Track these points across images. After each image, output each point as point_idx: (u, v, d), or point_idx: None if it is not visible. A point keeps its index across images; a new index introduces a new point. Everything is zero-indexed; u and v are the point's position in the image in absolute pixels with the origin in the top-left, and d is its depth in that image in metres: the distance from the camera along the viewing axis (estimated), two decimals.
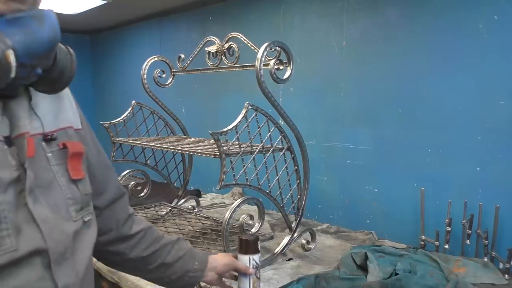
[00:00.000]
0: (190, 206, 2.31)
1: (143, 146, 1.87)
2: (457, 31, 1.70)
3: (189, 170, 2.28)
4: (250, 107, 1.49)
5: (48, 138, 0.65)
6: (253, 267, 1.01)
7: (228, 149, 1.46)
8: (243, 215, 1.51)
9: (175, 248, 0.97)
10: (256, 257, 1.02)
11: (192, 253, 0.99)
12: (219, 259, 1.03)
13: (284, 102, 2.37)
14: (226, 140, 1.44)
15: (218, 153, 1.42)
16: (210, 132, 1.40)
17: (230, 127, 1.44)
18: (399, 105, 1.91)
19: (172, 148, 1.70)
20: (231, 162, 1.44)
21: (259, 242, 1.04)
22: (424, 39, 1.80)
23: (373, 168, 2.02)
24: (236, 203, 1.47)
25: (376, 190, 2.01)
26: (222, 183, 1.41)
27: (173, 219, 1.96)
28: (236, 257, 1.04)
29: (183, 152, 1.69)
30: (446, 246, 1.65)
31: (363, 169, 2.06)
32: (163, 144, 1.77)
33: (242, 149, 1.48)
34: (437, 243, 1.71)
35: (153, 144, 1.80)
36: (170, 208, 2.15)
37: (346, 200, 2.14)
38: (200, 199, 2.62)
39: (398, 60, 1.90)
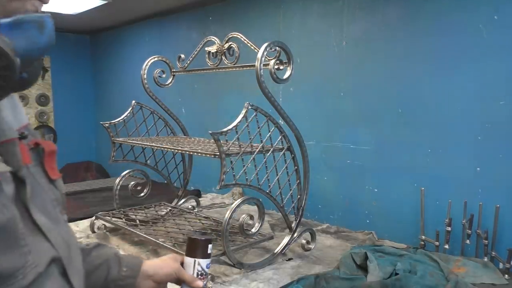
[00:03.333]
0: (190, 206, 2.31)
1: (143, 146, 1.87)
2: (457, 31, 1.70)
3: (189, 170, 2.28)
4: (250, 107, 1.49)
5: (22, 138, 0.58)
6: (198, 275, 0.83)
7: (228, 149, 1.46)
8: (243, 215, 1.51)
9: (92, 256, 0.82)
10: (204, 262, 0.84)
11: (116, 259, 0.84)
12: (159, 267, 0.85)
13: (284, 102, 2.37)
14: (226, 140, 1.44)
15: (218, 153, 1.42)
16: (210, 132, 1.40)
17: (230, 127, 1.44)
18: (399, 105, 1.91)
19: (172, 148, 1.70)
20: (231, 162, 1.44)
21: (210, 245, 0.85)
22: (424, 39, 1.81)
23: (373, 168, 2.02)
24: (236, 203, 1.47)
25: (376, 190, 2.01)
26: (222, 183, 1.41)
27: (173, 219, 1.96)
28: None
29: (183, 152, 1.69)
30: (446, 246, 1.65)
31: (363, 169, 2.06)
32: (163, 144, 1.77)
33: (242, 149, 1.48)
34: (437, 243, 1.71)
35: (153, 144, 1.80)
36: (170, 208, 2.15)
37: (346, 200, 2.14)
38: (200, 199, 2.62)
39: (398, 60, 1.90)
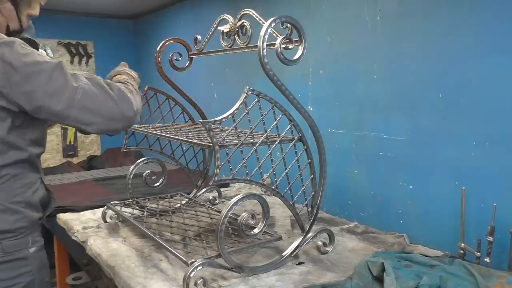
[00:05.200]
0: (211, 197, 2.19)
1: (146, 133, 1.77)
2: None
3: (209, 159, 2.15)
4: (250, 92, 1.32)
5: None
6: None
7: (223, 140, 1.30)
8: (243, 213, 1.35)
9: None
10: None
11: None
12: None
13: (314, 86, 2.16)
14: (221, 130, 1.28)
15: (211, 144, 1.26)
16: (200, 121, 1.25)
17: (225, 115, 1.28)
18: (440, 90, 1.62)
19: (166, 136, 1.58)
20: (227, 154, 1.28)
21: None
22: (471, 11, 1.50)
23: (408, 161, 1.76)
24: (234, 200, 1.31)
25: (411, 187, 1.76)
26: (216, 178, 1.25)
27: (182, 212, 1.85)
28: None
29: (178, 140, 1.55)
30: (487, 260, 1.38)
31: (397, 162, 1.80)
32: (173, 131, 1.65)
33: (242, 139, 1.32)
34: (478, 253, 1.44)
35: (149, 131, 1.69)
36: (186, 199, 2.04)
37: (378, 197, 1.90)
38: (226, 189, 2.50)
39: (441, 37, 1.61)
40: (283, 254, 1.48)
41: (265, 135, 1.36)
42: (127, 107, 1.17)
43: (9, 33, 1.24)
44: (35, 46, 1.26)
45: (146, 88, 1.94)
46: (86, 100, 1.11)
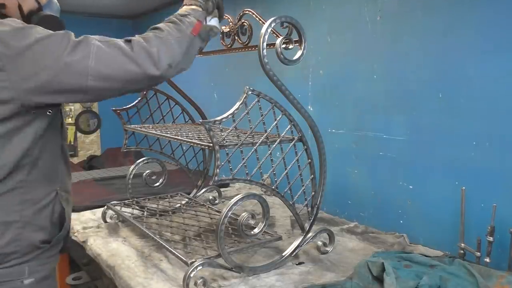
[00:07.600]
0: (211, 197, 2.19)
1: (146, 133, 1.77)
2: None
3: (209, 159, 2.15)
4: (250, 92, 1.32)
5: None
6: None
7: (224, 139, 1.30)
8: (243, 214, 1.35)
9: None
10: None
11: None
12: None
13: (314, 86, 2.16)
14: (221, 130, 1.29)
15: (211, 144, 1.26)
16: (201, 121, 1.25)
17: (225, 115, 1.28)
18: (440, 89, 1.63)
19: (166, 136, 1.58)
20: (227, 154, 1.28)
21: None
22: (472, 10, 1.51)
23: (408, 161, 1.76)
24: (234, 200, 1.31)
25: (411, 187, 1.76)
26: (216, 178, 1.25)
27: (182, 212, 1.85)
28: None
29: (176, 140, 1.55)
30: (487, 260, 1.38)
31: (397, 162, 1.80)
32: (173, 131, 1.66)
33: (241, 139, 1.32)
34: (478, 253, 1.44)
35: (150, 131, 1.69)
36: (186, 199, 2.04)
37: (378, 198, 1.90)
38: (226, 189, 2.50)
39: (441, 37, 1.61)
40: (283, 254, 1.48)
41: (265, 135, 1.36)
42: (149, 65, 1.02)
43: (25, 14, 1.11)
44: (59, 24, 1.12)
45: None
46: (101, 65, 0.97)
